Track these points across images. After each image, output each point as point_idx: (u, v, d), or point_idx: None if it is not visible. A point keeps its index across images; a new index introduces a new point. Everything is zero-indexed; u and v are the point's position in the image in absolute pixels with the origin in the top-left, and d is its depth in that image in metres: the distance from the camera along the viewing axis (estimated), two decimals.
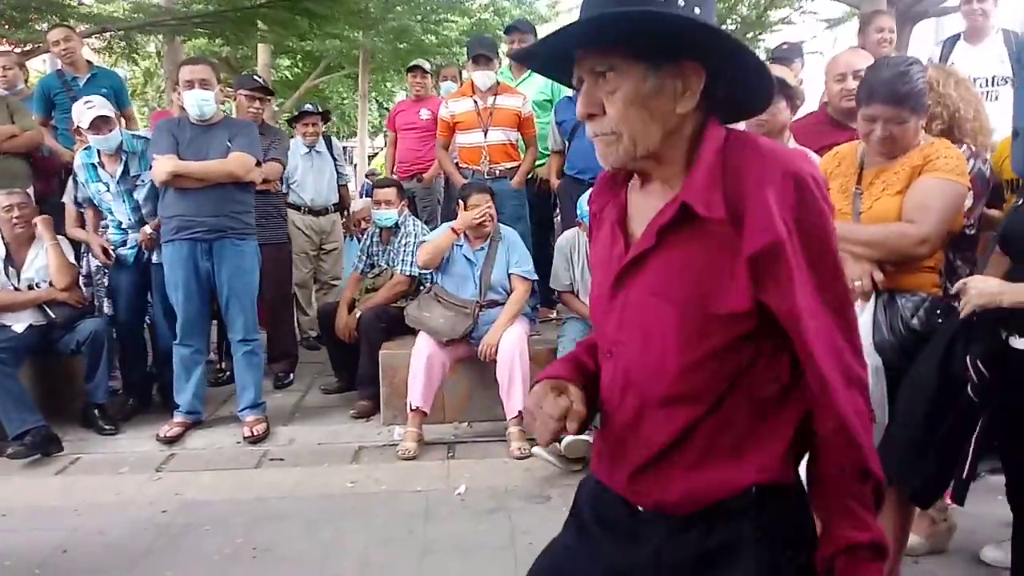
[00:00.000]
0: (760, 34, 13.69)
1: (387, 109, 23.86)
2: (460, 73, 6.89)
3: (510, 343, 3.83)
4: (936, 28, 9.94)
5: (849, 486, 1.10)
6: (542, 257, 4.80)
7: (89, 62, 5.21)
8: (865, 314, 2.24)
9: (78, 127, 4.09)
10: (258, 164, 4.00)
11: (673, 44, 1.06)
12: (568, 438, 3.52)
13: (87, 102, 4.02)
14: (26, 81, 5.38)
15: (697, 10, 1.07)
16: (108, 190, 4.10)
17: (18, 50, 7.85)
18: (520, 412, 3.79)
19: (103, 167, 4.10)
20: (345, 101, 19.30)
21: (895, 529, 2.42)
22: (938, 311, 2.23)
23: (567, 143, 4.69)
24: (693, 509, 1.13)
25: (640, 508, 1.19)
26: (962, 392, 2.08)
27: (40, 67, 11.35)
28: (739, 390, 1.11)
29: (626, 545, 1.20)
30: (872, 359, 2.23)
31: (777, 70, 3.13)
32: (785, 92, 2.95)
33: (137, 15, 9.32)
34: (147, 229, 4.07)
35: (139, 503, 3.31)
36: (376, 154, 15.81)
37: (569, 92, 4.80)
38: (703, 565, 1.13)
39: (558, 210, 5.21)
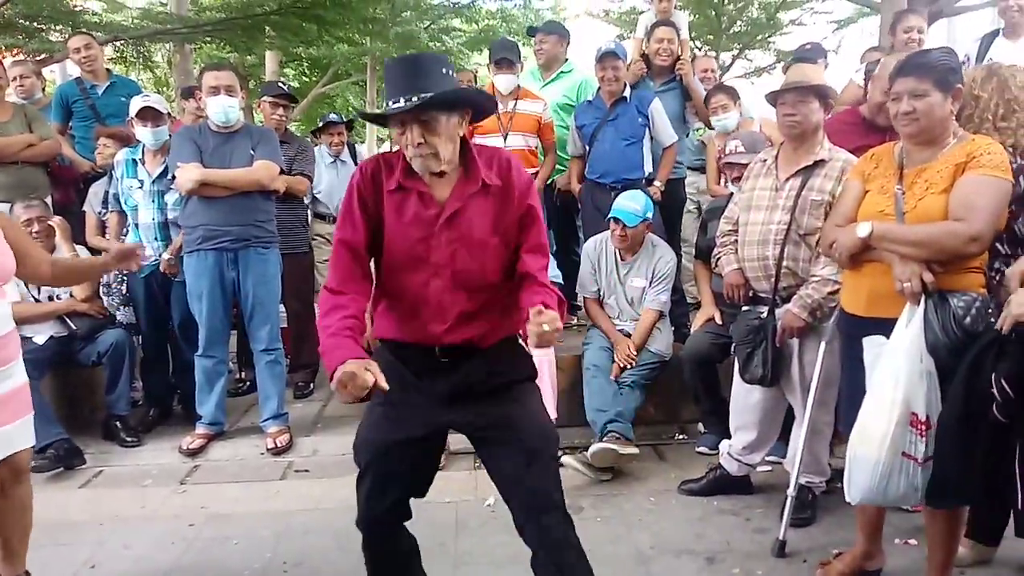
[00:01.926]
0: (770, 36, 13.62)
1: None
2: (475, 78, 6.87)
3: (538, 352, 3.77)
4: (948, 28, 9.90)
5: (546, 297, 1.88)
6: (566, 263, 4.76)
7: (108, 70, 5.19)
8: (916, 317, 2.19)
9: (132, 119, 4.07)
10: (281, 172, 3.97)
11: (458, 102, 1.96)
12: (595, 447, 3.48)
13: (145, 95, 4.11)
14: (43, 90, 5.36)
15: (456, 81, 1.98)
16: (140, 187, 4.07)
17: (32, 60, 7.82)
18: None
19: (143, 164, 4.08)
20: (352, 108, 19.28)
21: (945, 540, 2.37)
22: (990, 310, 2.18)
23: (587, 148, 4.64)
24: (485, 345, 2.05)
25: (447, 348, 2.03)
26: (989, 409, 2.04)
27: (49, 76, 11.35)
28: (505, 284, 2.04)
29: (443, 377, 2.05)
30: (925, 363, 2.17)
31: (807, 69, 3.08)
32: (819, 92, 2.91)
33: (146, 23, 9.31)
34: (166, 256, 4.03)
35: (164, 516, 3.27)
36: None
37: (590, 96, 4.76)
38: (492, 375, 2.07)
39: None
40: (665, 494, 3.39)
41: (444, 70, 1.92)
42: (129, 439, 4.04)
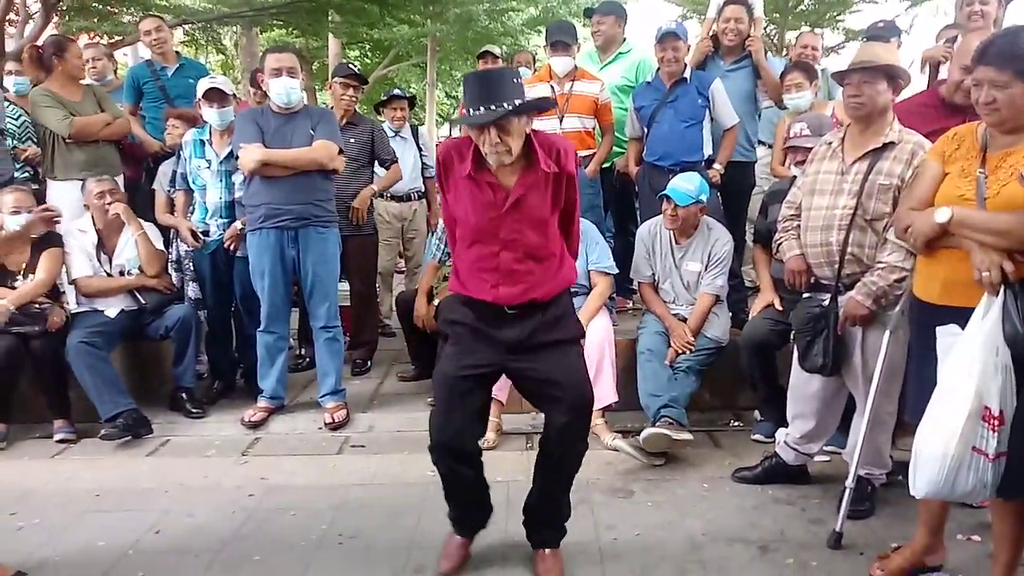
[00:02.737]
0: (839, 14, 13.18)
1: (454, 98, 23.94)
2: (533, 59, 6.83)
3: (598, 335, 3.77)
4: None
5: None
6: (624, 247, 4.72)
7: (177, 52, 5.32)
8: (994, 308, 2.10)
9: (199, 101, 4.17)
10: (340, 152, 4.02)
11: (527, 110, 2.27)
12: (648, 431, 3.45)
13: (212, 77, 4.24)
14: (115, 72, 5.53)
15: (523, 87, 2.28)
16: (209, 167, 4.17)
17: (104, 42, 8.10)
18: (609, 405, 3.74)
19: (211, 144, 4.18)
20: (413, 90, 19.44)
21: (1013, 537, 2.29)
22: None
23: (646, 130, 4.57)
24: (547, 299, 2.43)
25: (515, 304, 2.40)
26: None
27: (122, 60, 11.73)
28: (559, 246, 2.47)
29: (508, 326, 2.42)
30: (1001, 355, 2.08)
31: (877, 48, 2.97)
32: (888, 72, 2.80)
33: (214, 6, 9.53)
34: (237, 225, 4.12)
35: (226, 486, 3.37)
36: (441, 141, 15.86)
37: (648, 77, 4.68)
38: (549, 329, 2.45)
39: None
40: (718, 481, 3.35)
41: (515, 80, 2.26)
42: (194, 411, 4.18)
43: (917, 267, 2.48)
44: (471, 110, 2.22)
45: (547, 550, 2.66)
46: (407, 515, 3.05)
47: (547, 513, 2.68)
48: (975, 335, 2.12)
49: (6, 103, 4.41)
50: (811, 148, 3.23)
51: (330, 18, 10.55)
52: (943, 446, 2.12)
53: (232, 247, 4.15)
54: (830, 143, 2.98)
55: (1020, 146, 2.17)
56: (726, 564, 2.69)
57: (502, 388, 3.78)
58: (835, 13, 13.06)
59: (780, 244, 3.17)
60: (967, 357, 2.11)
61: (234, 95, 4.32)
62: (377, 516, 3.06)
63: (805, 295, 3.07)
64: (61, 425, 3.94)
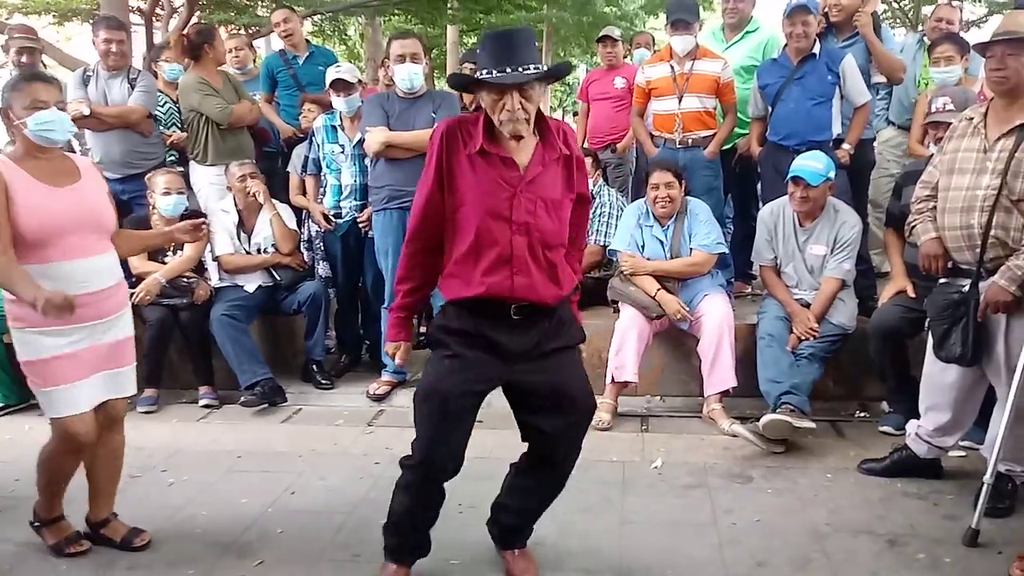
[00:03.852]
0: None
1: (568, 84, 23.83)
2: (652, 40, 6.73)
3: (717, 316, 3.72)
4: None
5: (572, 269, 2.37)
6: (745, 231, 4.61)
7: (307, 41, 5.58)
8: None
9: (328, 90, 4.38)
10: None
11: (556, 75, 2.22)
12: (768, 417, 3.38)
13: (337, 67, 4.42)
14: (254, 61, 5.85)
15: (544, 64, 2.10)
16: (342, 152, 4.38)
17: (245, 33, 8.56)
18: (727, 390, 3.69)
19: (343, 130, 4.38)
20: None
21: None
22: None
23: (770, 108, 4.44)
24: (552, 304, 2.23)
25: (521, 304, 2.18)
26: None
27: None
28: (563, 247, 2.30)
29: (512, 334, 2.21)
30: None
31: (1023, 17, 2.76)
32: None
33: None
34: (361, 218, 4.32)
35: (354, 453, 3.56)
36: None
37: (775, 54, 4.54)
38: (553, 337, 2.27)
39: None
40: (843, 472, 3.25)
41: (534, 43, 2.14)
42: (324, 382, 4.43)
43: None
44: (492, 71, 2.03)
45: (517, 550, 2.59)
46: None
47: (528, 518, 2.58)
48: None
49: None
50: None
51: (448, 5, 10.74)
52: None
53: (366, 228, 4.33)
54: (971, 119, 2.81)
55: None
56: (852, 556, 2.62)
57: (633, 372, 3.79)
58: None
59: (915, 227, 3.01)
60: None
61: (359, 81, 4.49)
62: (495, 488, 3.09)
63: (942, 280, 2.91)
64: (206, 391, 4.26)
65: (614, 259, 4.23)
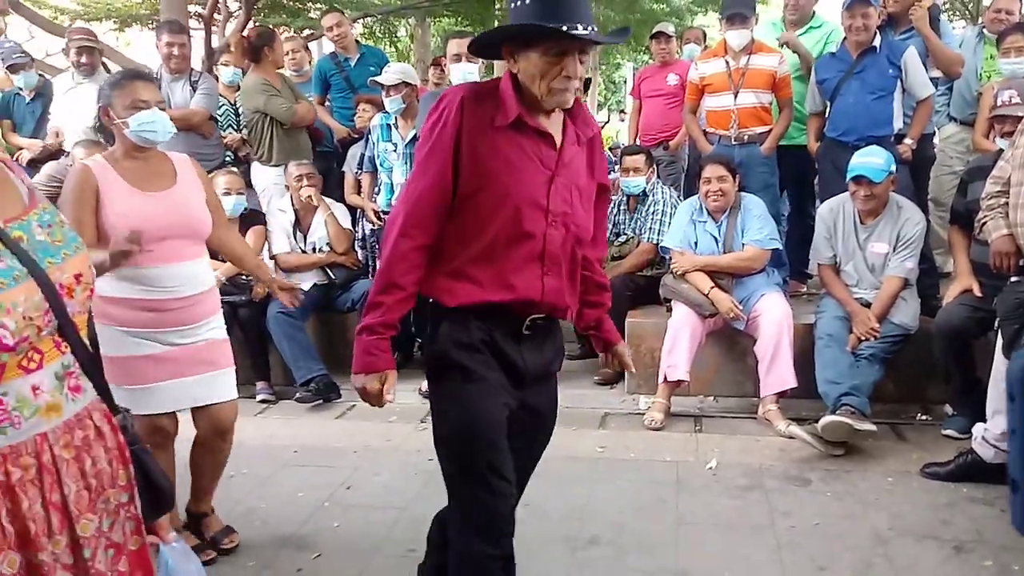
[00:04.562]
0: None
1: (613, 82, 23.70)
2: (704, 36, 6.66)
3: (777, 317, 3.66)
4: None
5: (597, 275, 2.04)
6: (802, 229, 4.53)
7: (358, 42, 5.65)
8: None
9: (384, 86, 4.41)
10: None
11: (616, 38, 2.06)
12: (827, 419, 3.31)
13: (388, 67, 4.51)
14: (309, 63, 5.95)
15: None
16: (395, 150, 4.42)
17: (301, 36, 8.71)
18: (785, 391, 3.63)
19: (396, 128, 4.44)
20: None
21: None
22: None
23: (828, 103, 4.34)
24: (563, 317, 1.93)
25: (537, 317, 1.84)
26: None
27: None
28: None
29: (520, 352, 1.84)
30: None
31: None
32: None
33: (393, 0, 10.02)
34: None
35: (407, 450, 3.59)
36: (602, 126, 15.78)
37: (833, 48, 4.44)
38: (550, 359, 1.94)
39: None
40: (905, 476, 3.16)
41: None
42: None
43: None
44: (561, 25, 1.61)
45: None
46: (577, 487, 3.12)
47: None
48: None
49: None
50: (1022, 117, 2.96)
51: (497, 6, 10.78)
52: None
53: None
54: None
55: None
56: (916, 562, 2.55)
57: (685, 371, 3.75)
58: None
59: (984, 223, 2.92)
60: None
61: (403, 83, 4.52)
62: (548, 486, 3.11)
63: (1013, 279, 2.82)
64: (263, 386, 4.35)
65: (667, 256, 4.19)
